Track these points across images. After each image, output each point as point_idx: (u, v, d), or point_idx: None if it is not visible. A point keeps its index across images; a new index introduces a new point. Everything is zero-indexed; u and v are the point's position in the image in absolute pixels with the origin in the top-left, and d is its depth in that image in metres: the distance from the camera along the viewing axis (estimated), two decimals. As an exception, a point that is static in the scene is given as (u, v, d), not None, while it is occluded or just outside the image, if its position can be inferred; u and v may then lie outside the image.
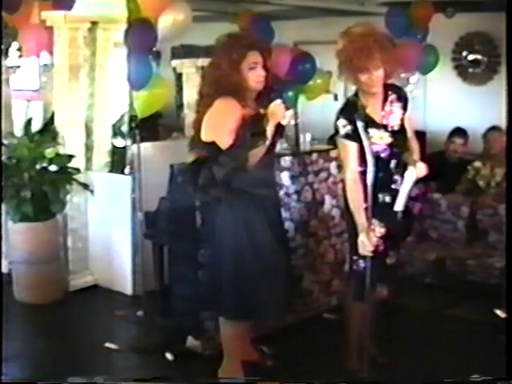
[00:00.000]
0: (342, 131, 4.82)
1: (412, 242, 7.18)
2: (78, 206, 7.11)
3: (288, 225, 5.95)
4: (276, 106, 4.54)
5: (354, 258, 4.96)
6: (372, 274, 4.89)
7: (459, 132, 8.02)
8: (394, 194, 4.85)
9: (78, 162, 6.92)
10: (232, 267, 4.69)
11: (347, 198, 4.88)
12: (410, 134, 5.00)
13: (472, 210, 7.33)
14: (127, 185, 6.58)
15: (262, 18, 7.47)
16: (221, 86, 4.55)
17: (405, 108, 4.97)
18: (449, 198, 7.48)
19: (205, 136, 4.58)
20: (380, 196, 4.86)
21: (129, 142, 6.59)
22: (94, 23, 7.03)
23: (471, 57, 9.18)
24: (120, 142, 7.28)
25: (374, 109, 4.86)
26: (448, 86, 9.26)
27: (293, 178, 6.03)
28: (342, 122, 4.83)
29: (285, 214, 5.87)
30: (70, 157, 6.84)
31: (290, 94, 6.55)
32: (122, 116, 7.20)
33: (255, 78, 4.62)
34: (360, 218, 4.79)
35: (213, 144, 4.50)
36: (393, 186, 4.89)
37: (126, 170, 6.75)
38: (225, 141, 4.48)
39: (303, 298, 6.19)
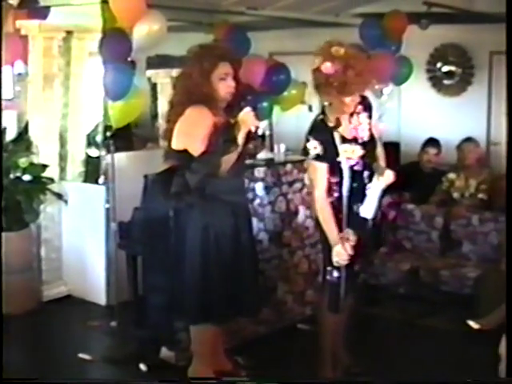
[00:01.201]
0: (313, 152, 4.84)
1: (386, 252, 7.24)
2: (52, 216, 7.10)
3: (262, 235, 5.98)
4: (246, 114, 4.59)
5: (328, 268, 4.98)
6: (346, 284, 4.93)
7: (432, 142, 8.06)
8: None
9: (51, 172, 6.91)
10: (198, 271, 4.70)
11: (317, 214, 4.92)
12: (378, 141, 5.04)
13: (446, 220, 7.37)
14: (101, 195, 6.58)
15: (237, 29, 7.47)
16: (192, 95, 4.58)
17: (370, 117, 5.01)
18: (423, 209, 7.51)
19: (176, 144, 4.58)
20: (354, 207, 4.89)
21: (103, 151, 6.60)
22: (69, 33, 7.04)
23: (445, 68, 9.27)
24: (94, 152, 7.27)
25: (343, 124, 4.88)
26: (422, 97, 9.34)
27: (267, 188, 6.05)
28: (312, 143, 4.84)
29: (259, 224, 5.90)
30: (44, 166, 6.83)
31: (265, 104, 6.55)
32: (97, 126, 7.20)
33: (225, 88, 4.65)
34: (331, 232, 4.84)
35: (184, 152, 4.51)
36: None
37: (100, 180, 6.76)
38: (197, 148, 4.49)
39: (277, 309, 6.21)
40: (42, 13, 6.82)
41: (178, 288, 4.83)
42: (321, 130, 4.87)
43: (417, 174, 7.94)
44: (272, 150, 6.59)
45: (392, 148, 8.32)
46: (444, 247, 7.38)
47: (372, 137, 4.97)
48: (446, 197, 7.66)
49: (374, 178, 4.83)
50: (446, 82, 9.30)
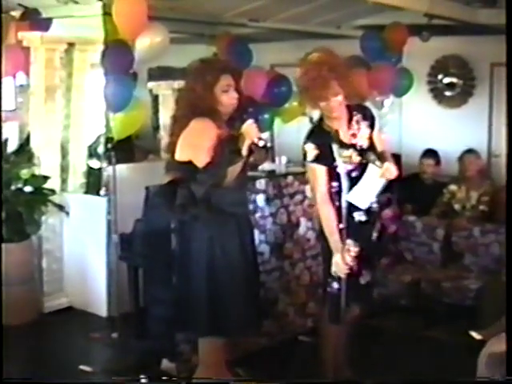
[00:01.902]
0: (311, 155, 4.89)
1: (387, 264, 7.22)
2: (53, 228, 7.11)
3: (263, 247, 5.98)
4: (249, 126, 4.61)
5: (329, 280, 4.99)
6: (347, 296, 4.93)
7: (430, 153, 8.07)
8: (370, 213, 4.92)
9: (53, 183, 6.92)
10: (205, 284, 4.70)
11: (321, 220, 4.93)
12: (380, 148, 5.06)
13: (447, 232, 7.37)
14: (102, 206, 6.60)
15: (239, 41, 7.51)
16: (196, 108, 4.61)
17: (372, 126, 5.03)
18: (424, 221, 7.51)
19: (180, 155, 4.59)
20: (355, 215, 4.91)
21: (104, 163, 6.61)
22: (71, 44, 7.06)
23: (446, 80, 9.27)
24: (95, 164, 7.28)
25: (340, 130, 4.93)
26: (423, 109, 9.34)
27: (268, 200, 6.05)
28: (310, 146, 4.89)
29: (260, 236, 5.90)
30: (46, 178, 6.84)
31: (266, 116, 6.58)
32: (98, 137, 7.22)
33: (228, 100, 4.68)
34: (333, 238, 4.85)
35: (189, 163, 4.52)
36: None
37: (102, 192, 6.78)
38: (202, 159, 4.50)
39: (278, 321, 6.20)
40: (44, 24, 6.85)
41: (184, 300, 4.83)
42: (318, 133, 4.94)
43: (417, 185, 7.95)
44: (273, 161, 6.60)
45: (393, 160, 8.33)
46: (445, 259, 7.38)
47: (372, 146, 4.99)
48: (447, 208, 7.67)
49: (371, 165, 4.85)
50: (447, 93, 9.30)
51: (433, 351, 6.09)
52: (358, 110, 5.03)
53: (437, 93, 9.34)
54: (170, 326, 5.38)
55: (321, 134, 4.91)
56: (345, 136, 4.93)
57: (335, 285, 4.94)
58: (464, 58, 9.10)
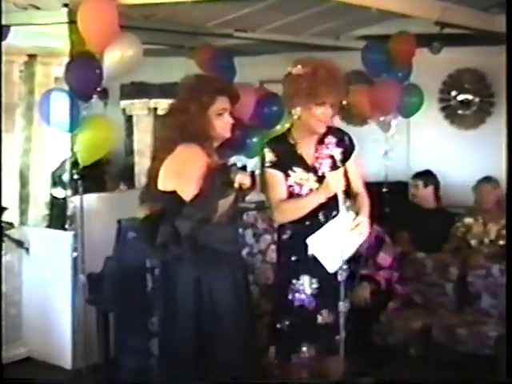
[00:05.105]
0: (268, 159, 4.97)
1: (394, 308, 7.22)
2: (11, 267, 7.10)
3: (252, 289, 5.98)
4: (242, 178, 4.65)
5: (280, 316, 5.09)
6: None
7: (420, 173, 8.18)
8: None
9: (11, 216, 6.92)
10: (192, 330, 4.70)
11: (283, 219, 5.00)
12: (355, 188, 5.12)
13: (462, 271, 7.36)
14: (68, 242, 6.59)
15: (223, 53, 7.55)
16: (185, 131, 4.63)
17: (346, 156, 5.07)
18: (435, 258, 7.51)
19: (164, 185, 4.61)
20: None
21: (70, 192, 6.62)
22: (32, 56, 7.08)
23: (461, 97, 9.29)
24: (60, 193, 7.30)
25: (306, 148, 5.00)
26: (434, 130, 9.35)
27: (257, 235, 6.06)
28: (267, 150, 4.99)
29: (248, 276, 5.90)
30: (2, 209, 6.84)
31: (255, 140, 6.59)
32: (63, 163, 7.23)
33: (222, 125, 4.72)
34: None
35: (173, 194, 4.53)
36: None
37: (67, 226, 6.77)
38: (189, 190, 4.52)
39: (268, 371, 6.18)
40: (1, 33, 6.87)
41: (165, 350, 4.83)
42: (279, 142, 5.05)
43: (415, 213, 8.03)
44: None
45: (399, 189, 8.38)
46: (460, 302, 7.37)
47: (348, 185, 5.04)
48: (461, 244, 7.68)
49: (342, 209, 4.86)
50: (461, 112, 9.31)
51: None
52: (335, 133, 5.09)
53: (449, 112, 9.37)
54: (144, 378, 5.38)
55: (282, 143, 5.02)
56: (309, 155, 5.00)
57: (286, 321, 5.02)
58: (481, 71, 9.14)
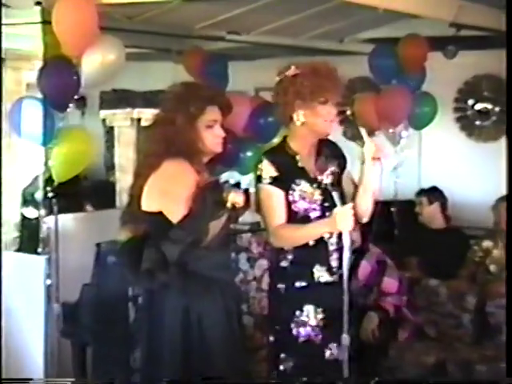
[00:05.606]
0: (266, 175, 4.91)
1: (405, 340, 7.22)
2: (-23, 295, 7.09)
3: (246, 319, 5.97)
4: (235, 197, 4.63)
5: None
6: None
7: (425, 191, 8.23)
8: (335, 273, 4.96)
9: (-24, 239, 6.91)
10: (179, 364, 4.69)
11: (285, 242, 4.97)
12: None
13: (480, 300, 7.35)
14: (40, 268, 6.57)
15: (214, 58, 7.56)
16: (171, 145, 4.60)
17: (341, 168, 5.11)
18: (449, 285, 7.50)
19: (148, 205, 4.60)
20: (315, 273, 4.96)
21: (43, 212, 6.60)
22: (1, 60, 7.08)
23: (479, 106, 9.31)
24: (32, 213, 7.29)
25: (307, 159, 5.01)
26: (449, 143, 9.37)
27: (251, 260, 6.06)
28: (265, 164, 4.93)
29: (242, 305, 5.90)
30: (-33, 232, 6.84)
31: (249, 154, 6.59)
32: (35, 179, 7.22)
33: (213, 138, 4.71)
34: (317, 230, 4.91)
35: (159, 215, 4.52)
36: (331, 262, 4.97)
37: (40, 249, 6.76)
38: (176, 211, 4.50)
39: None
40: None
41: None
42: (279, 154, 5.01)
43: (422, 234, 8.05)
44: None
45: (409, 208, 8.38)
46: (479, 335, 7.36)
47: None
48: (479, 270, 7.68)
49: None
50: (479, 123, 9.33)
51: None
52: (328, 146, 5.12)
53: (466, 122, 9.39)
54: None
55: (281, 154, 4.99)
56: (309, 168, 5.00)
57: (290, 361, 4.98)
58: (501, 77, 9.17)
